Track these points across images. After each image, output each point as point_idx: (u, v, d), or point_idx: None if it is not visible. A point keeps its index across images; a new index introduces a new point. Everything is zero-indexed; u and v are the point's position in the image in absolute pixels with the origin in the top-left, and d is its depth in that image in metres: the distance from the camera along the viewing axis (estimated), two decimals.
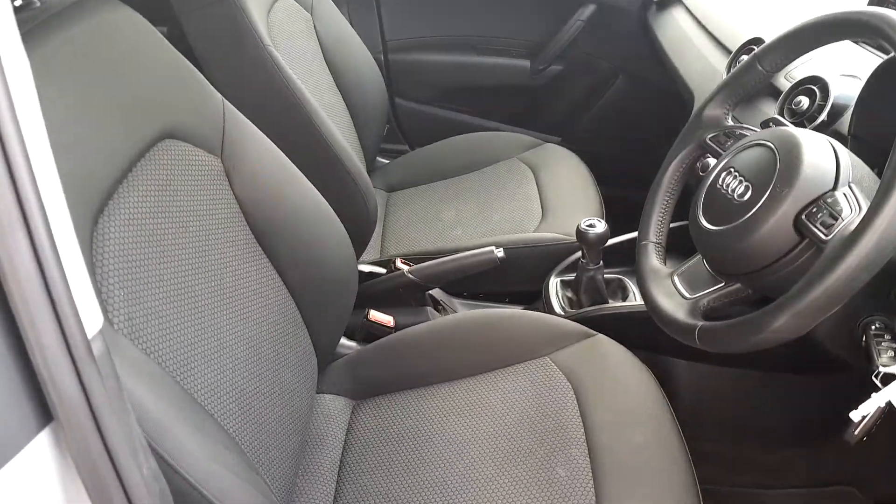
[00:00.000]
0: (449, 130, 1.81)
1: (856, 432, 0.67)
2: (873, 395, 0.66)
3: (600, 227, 1.15)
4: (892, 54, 0.81)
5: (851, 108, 0.90)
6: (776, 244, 0.68)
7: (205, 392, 0.69)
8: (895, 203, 0.55)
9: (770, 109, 1.05)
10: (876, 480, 1.23)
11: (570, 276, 1.30)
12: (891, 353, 0.67)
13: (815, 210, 0.65)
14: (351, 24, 1.62)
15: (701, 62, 1.30)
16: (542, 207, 1.49)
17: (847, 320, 0.72)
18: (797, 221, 0.66)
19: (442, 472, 0.92)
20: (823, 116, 0.93)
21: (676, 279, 0.81)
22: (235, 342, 0.78)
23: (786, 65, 0.81)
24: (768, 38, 1.09)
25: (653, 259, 0.86)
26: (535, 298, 1.40)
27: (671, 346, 1.21)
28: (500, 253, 1.21)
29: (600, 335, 1.08)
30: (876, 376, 0.67)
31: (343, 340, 1.17)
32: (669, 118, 1.80)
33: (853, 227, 0.60)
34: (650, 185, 2.02)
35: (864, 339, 0.72)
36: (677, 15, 1.55)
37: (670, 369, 1.23)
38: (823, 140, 0.71)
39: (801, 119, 0.96)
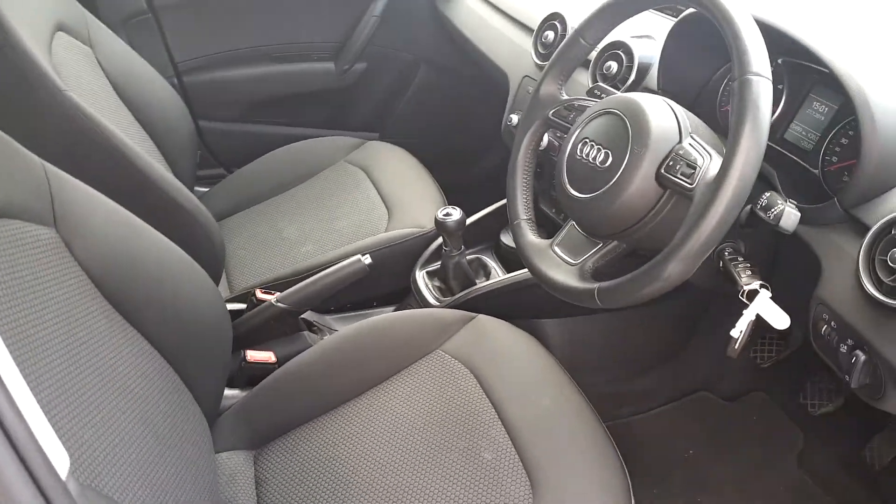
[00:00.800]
0: (265, 145, 1.73)
1: (736, 347, 0.77)
2: (744, 311, 0.76)
3: (457, 214, 1.19)
4: (686, 12, 0.93)
5: (655, 67, 1.02)
6: (644, 200, 0.75)
7: (120, 491, 0.61)
8: (746, 144, 0.64)
9: (583, 77, 1.15)
10: (722, 380, 1.43)
11: (434, 266, 1.33)
12: (748, 272, 0.78)
13: (671, 163, 0.73)
14: (134, 49, 1.48)
15: (506, 43, 1.38)
16: (385, 205, 1.49)
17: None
18: (659, 176, 0.74)
19: (370, 492, 0.90)
20: (633, 77, 1.04)
21: (557, 249, 0.86)
22: (133, 428, 0.69)
23: (604, 36, 0.89)
24: (566, 12, 1.19)
25: (529, 235, 0.91)
26: (402, 297, 1.41)
27: (542, 310, 1.29)
28: (367, 260, 1.20)
29: (480, 315, 1.12)
30: (742, 295, 0.77)
31: (225, 391, 1.09)
32: (479, 100, 1.89)
33: (712, 171, 0.68)
34: (474, 165, 2.11)
35: (721, 265, 0.82)
36: (468, 1, 1.62)
37: (544, 330, 1.31)
38: (659, 99, 0.79)
39: (615, 82, 1.07)
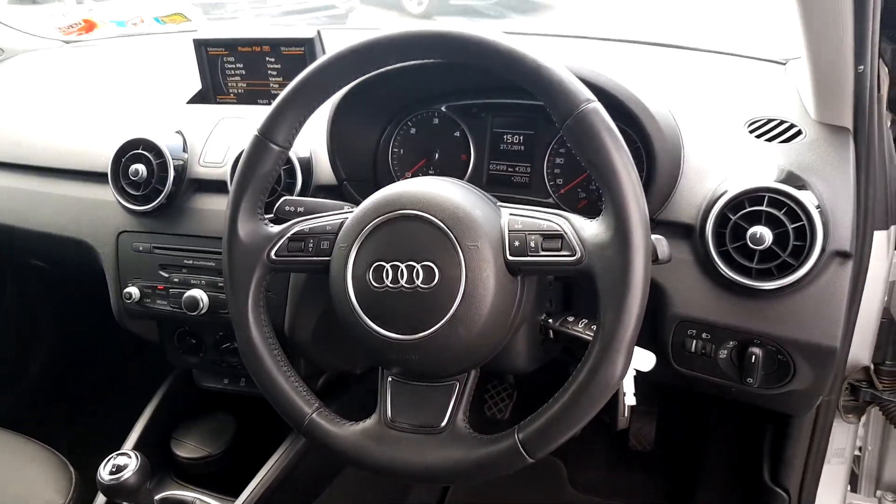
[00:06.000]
0: None
1: (626, 415, 0.65)
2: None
3: (132, 460, 0.75)
4: (344, 91, 0.74)
5: (327, 160, 0.80)
6: (507, 303, 0.56)
7: None
8: (625, 172, 0.51)
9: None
10: None
11: None
12: (591, 326, 0.65)
13: (517, 244, 0.55)
14: None
15: (56, 203, 0.93)
16: None
17: (532, 333, 0.66)
18: (511, 265, 0.55)
19: None
20: (299, 181, 0.80)
21: (399, 422, 0.58)
22: None
23: (298, 133, 0.64)
24: (151, 135, 0.85)
25: (340, 427, 0.59)
26: None
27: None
28: None
29: None
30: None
31: None
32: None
33: (590, 230, 0.52)
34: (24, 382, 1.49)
35: (551, 335, 0.67)
36: None
37: None
38: (442, 180, 0.60)
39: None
